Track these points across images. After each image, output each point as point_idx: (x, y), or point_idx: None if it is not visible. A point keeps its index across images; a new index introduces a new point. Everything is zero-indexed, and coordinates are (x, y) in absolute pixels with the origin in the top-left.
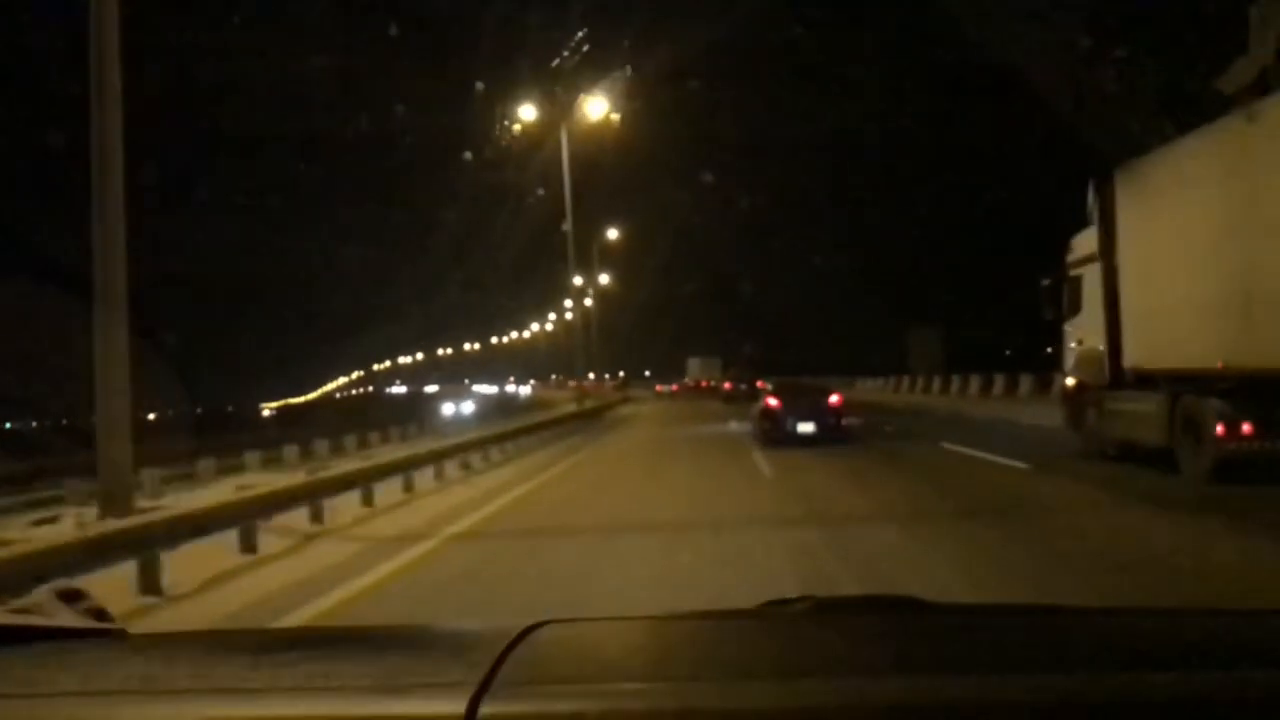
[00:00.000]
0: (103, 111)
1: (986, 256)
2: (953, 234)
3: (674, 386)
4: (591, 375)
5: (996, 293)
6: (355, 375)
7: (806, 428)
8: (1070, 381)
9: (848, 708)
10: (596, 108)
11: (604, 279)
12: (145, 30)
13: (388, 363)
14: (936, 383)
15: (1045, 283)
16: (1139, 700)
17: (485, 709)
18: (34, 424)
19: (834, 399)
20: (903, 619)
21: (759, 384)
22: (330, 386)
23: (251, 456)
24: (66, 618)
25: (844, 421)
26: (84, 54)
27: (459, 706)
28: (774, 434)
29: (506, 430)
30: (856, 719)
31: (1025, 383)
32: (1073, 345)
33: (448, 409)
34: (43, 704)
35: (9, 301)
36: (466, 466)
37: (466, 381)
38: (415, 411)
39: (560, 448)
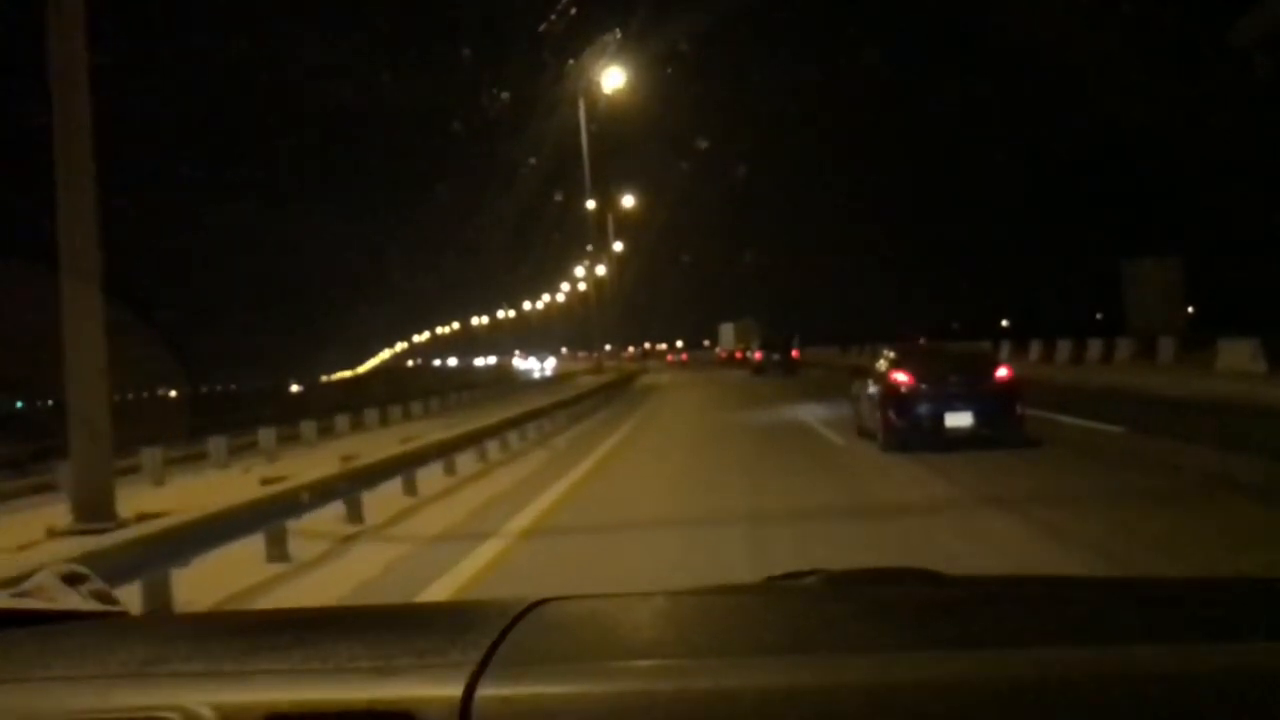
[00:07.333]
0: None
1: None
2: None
3: (684, 356)
4: (631, 348)
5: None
6: (399, 348)
7: (960, 419)
8: None
9: (858, 684)
10: (613, 79)
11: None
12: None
13: (426, 334)
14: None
15: None
16: (1165, 673)
17: (483, 690)
18: (42, 403)
19: (1002, 372)
20: (917, 592)
21: (795, 354)
22: (377, 360)
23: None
24: (69, 600)
25: (1020, 410)
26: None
27: (456, 689)
28: (906, 430)
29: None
30: (867, 696)
31: None
32: None
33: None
34: (39, 687)
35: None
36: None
37: (517, 352)
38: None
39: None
